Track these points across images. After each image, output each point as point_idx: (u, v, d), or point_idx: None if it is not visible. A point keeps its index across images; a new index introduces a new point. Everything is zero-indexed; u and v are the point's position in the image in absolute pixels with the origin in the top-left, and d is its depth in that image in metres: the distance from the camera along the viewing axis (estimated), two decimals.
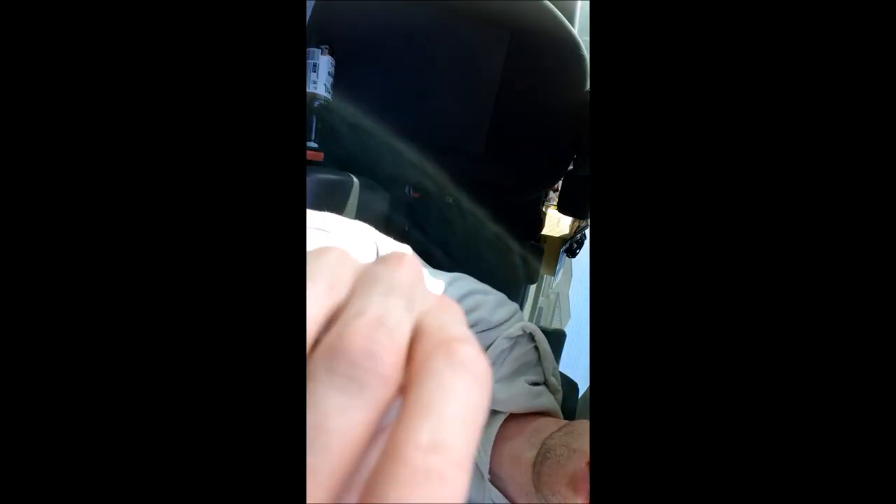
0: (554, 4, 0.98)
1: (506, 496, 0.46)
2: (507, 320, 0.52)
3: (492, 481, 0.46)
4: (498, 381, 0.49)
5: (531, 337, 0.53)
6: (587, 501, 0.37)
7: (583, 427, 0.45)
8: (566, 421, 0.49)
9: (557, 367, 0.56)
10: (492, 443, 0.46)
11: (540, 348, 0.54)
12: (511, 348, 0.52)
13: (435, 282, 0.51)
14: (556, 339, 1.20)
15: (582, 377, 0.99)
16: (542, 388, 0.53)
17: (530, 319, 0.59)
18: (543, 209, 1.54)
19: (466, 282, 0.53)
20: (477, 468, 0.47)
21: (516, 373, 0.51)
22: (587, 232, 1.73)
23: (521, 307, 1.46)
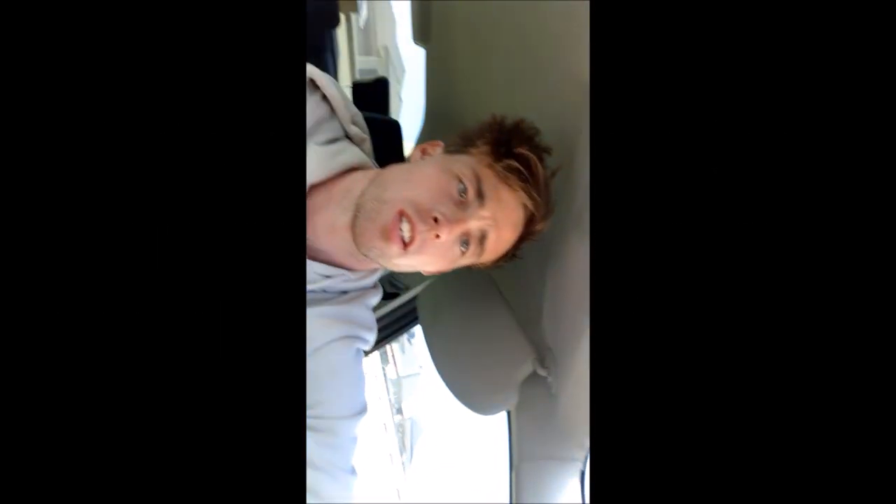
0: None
1: (331, 264, 0.46)
2: None
3: (311, 257, 0.46)
4: None
5: (313, 85, 0.45)
6: (401, 247, 0.40)
7: (392, 174, 0.44)
8: (378, 171, 0.46)
9: (359, 113, 0.51)
10: None
11: (329, 96, 0.46)
12: None
13: None
14: (376, 88, 1.10)
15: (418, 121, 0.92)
16: (342, 143, 0.48)
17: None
18: None
19: None
20: None
21: (305, 136, 0.45)
22: None
23: (335, 66, 1.27)
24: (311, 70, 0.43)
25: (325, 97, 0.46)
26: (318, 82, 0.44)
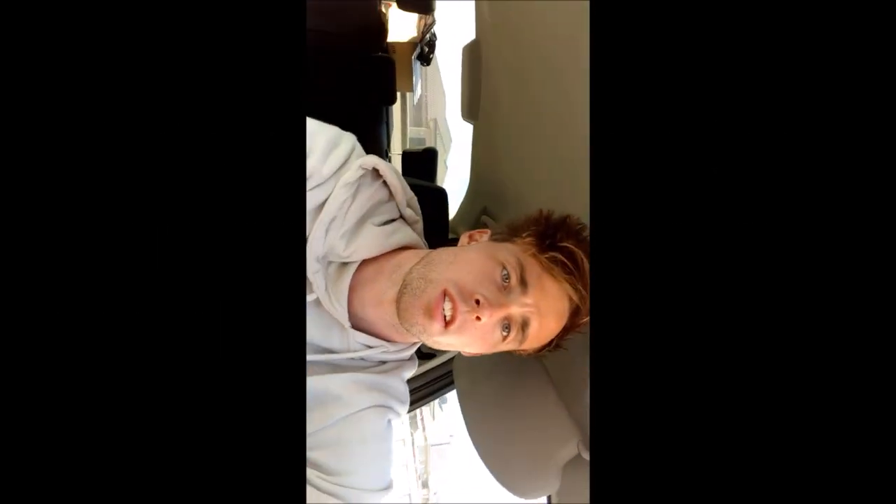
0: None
1: (372, 334, 0.48)
2: (343, 163, 0.47)
3: (356, 326, 0.48)
4: (342, 236, 0.47)
5: (376, 172, 0.49)
6: (442, 325, 0.42)
7: (439, 256, 0.47)
8: (427, 251, 0.49)
9: (414, 196, 0.54)
10: (345, 294, 0.46)
11: (389, 183, 0.50)
12: (354, 195, 0.48)
13: None
14: (426, 158, 1.16)
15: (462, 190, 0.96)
16: (396, 224, 0.51)
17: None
18: (382, 9, 1.34)
19: None
20: (336, 321, 0.47)
21: (363, 218, 0.49)
22: (436, 30, 1.60)
23: (389, 138, 1.35)
24: (376, 160, 0.48)
25: (385, 183, 0.50)
26: (381, 171, 0.49)
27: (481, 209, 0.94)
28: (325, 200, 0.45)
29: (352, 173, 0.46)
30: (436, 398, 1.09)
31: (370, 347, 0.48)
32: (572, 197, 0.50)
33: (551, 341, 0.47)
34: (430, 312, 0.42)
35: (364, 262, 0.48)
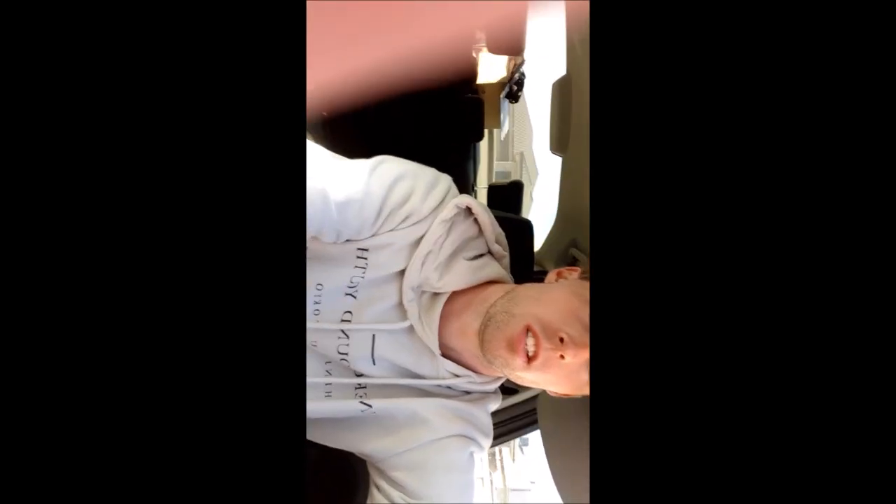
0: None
1: (460, 364, 0.49)
2: (440, 202, 0.49)
3: (445, 354, 0.49)
4: (435, 268, 0.49)
5: (468, 211, 0.51)
6: (524, 359, 0.42)
7: (525, 292, 0.48)
8: (513, 286, 0.51)
9: (502, 233, 0.55)
10: (436, 323, 0.48)
11: (480, 220, 0.52)
12: (448, 231, 0.50)
13: (356, 170, 0.47)
14: (512, 191, 1.15)
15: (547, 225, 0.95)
16: (485, 258, 0.53)
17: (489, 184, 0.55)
18: (473, 53, 1.41)
19: (391, 165, 0.48)
20: (426, 348, 0.49)
21: (455, 253, 0.51)
22: (524, 69, 1.63)
23: (475, 171, 1.38)
24: (470, 200, 0.51)
25: (476, 220, 0.53)
26: (473, 209, 0.51)
27: (570, 241, 0.91)
28: (423, 236, 0.49)
29: (448, 211, 0.48)
30: (517, 436, 1.05)
31: (457, 376, 0.49)
32: None
33: None
34: (512, 347, 0.42)
35: (454, 294, 0.50)
